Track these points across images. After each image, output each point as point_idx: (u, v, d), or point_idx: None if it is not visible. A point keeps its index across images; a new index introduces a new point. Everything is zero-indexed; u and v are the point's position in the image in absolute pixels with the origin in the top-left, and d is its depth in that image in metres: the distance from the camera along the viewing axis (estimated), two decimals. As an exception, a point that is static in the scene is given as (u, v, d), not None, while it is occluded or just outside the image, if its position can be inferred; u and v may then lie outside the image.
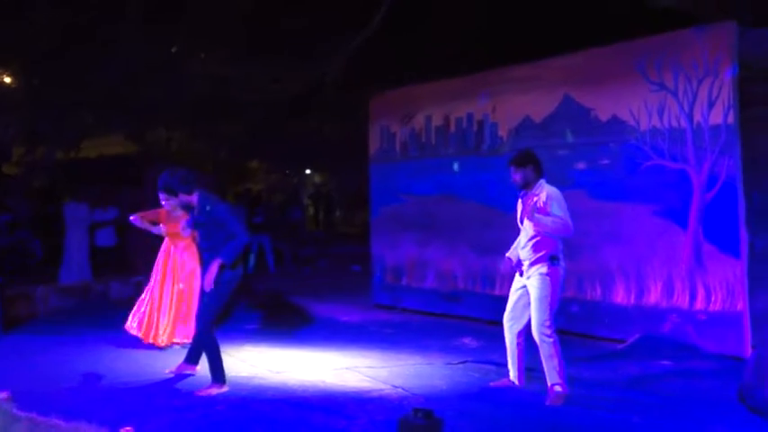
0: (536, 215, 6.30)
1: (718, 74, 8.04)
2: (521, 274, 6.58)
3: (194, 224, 6.97)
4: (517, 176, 6.49)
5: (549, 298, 6.33)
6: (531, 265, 6.41)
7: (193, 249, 8.52)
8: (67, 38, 10.98)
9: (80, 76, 11.72)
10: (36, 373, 7.41)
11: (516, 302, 6.63)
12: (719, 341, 8.00)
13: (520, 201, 6.66)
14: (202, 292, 6.73)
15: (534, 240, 6.41)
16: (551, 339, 6.35)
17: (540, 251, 6.37)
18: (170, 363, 7.71)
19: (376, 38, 11.67)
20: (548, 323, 6.34)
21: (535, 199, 6.41)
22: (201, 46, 11.89)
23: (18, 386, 6.21)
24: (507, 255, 6.79)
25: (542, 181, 6.49)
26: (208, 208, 6.74)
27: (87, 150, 18.04)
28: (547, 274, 6.34)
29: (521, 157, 6.52)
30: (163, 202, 7.62)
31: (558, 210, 6.31)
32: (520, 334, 6.66)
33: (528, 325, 6.59)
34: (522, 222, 6.56)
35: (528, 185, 6.48)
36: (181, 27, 11.34)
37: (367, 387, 6.91)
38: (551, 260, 6.35)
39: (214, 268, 6.53)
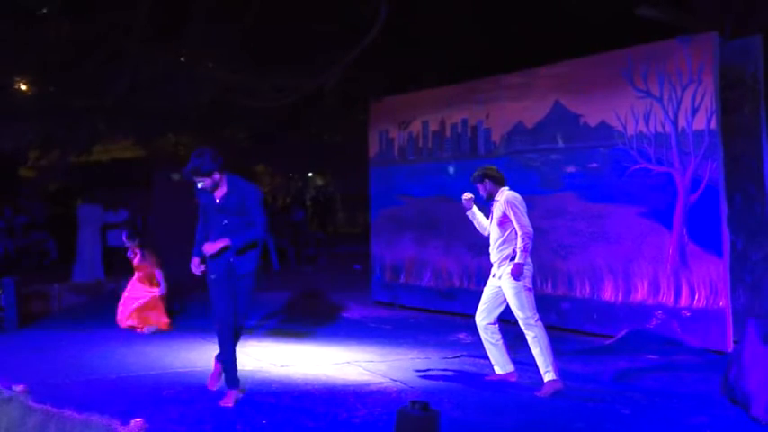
0: (519, 270, 6.65)
1: (702, 82, 8.23)
2: (493, 276, 6.95)
3: (218, 209, 6.30)
4: (481, 192, 6.99)
5: (523, 292, 6.65)
6: (500, 265, 6.80)
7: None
8: (80, 49, 11.17)
9: (92, 84, 11.88)
10: (50, 367, 7.51)
11: (488, 298, 6.98)
12: (703, 336, 8.18)
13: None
14: (236, 287, 6.30)
15: (499, 242, 6.82)
16: (537, 328, 6.62)
17: (505, 252, 6.76)
18: (180, 357, 7.94)
19: (374, 48, 11.83)
20: (530, 313, 6.63)
21: (497, 205, 6.85)
22: (206, 56, 12.07)
23: (33, 379, 6.41)
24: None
25: (503, 188, 6.90)
26: (238, 190, 6.27)
27: (99, 155, 18.10)
28: (513, 273, 6.69)
29: (478, 174, 7.00)
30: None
31: (513, 214, 6.70)
32: (492, 326, 6.97)
33: (503, 318, 6.96)
34: (490, 225, 6.99)
35: (491, 196, 6.91)
36: (186, 38, 11.53)
37: (367, 380, 7.04)
38: (515, 259, 6.71)
39: (218, 244, 6.15)
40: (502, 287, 6.79)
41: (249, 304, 6.44)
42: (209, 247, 6.18)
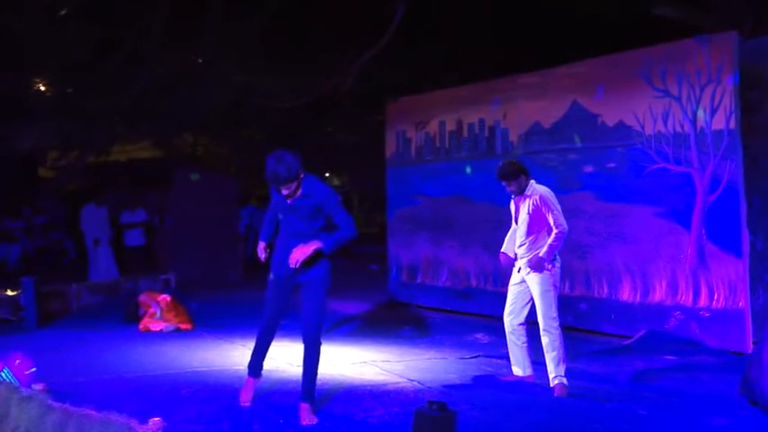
0: (539, 263, 6.56)
1: (721, 81, 8.19)
2: (519, 271, 6.83)
3: (289, 209, 5.75)
4: (512, 188, 6.78)
5: (551, 291, 6.57)
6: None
7: None
8: (98, 50, 11.27)
9: (110, 85, 11.99)
10: (69, 366, 7.54)
11: (515, 297, 6.85)
12: (722, 337, 8.14)
13: (513, 202, 6.95)
14: (308, 296, 5.81)
15: (531, 239, 6.68)
16: (558, 331, 6.56)
17: (537, 249, 6.62)
18: (198, 356, 8.02)
19: (391, 48, 11.85)
20: (554, 315, 6.56)
21: (528, 201, 6.71)
22: (223, 56, 12.13)
23: (53, 378, 6.47)
24: (502, 251, 7.07)
25: (532, 182, 6.79)
26: (314, 194, 5.69)
27: (117, 155, 18.22)
28: (547, 270, 6.59)
29: (510, 171, 6.76)
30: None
31: (549, 211, 6.60)
32: (521, 327, 6.86)
33: (528, 319, 6.85)
34: (517, 222, 6.86)
35: (522, 190, 6.77)
36: (203, 39, 11.60)
37: (384, 380, 7.03)
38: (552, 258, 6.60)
39: (309, 248, 5.56)
40: (529, 283, 6.69)
41: (318, 313, 5.80)
42: (299, 253, 5.57)
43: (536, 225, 6.68)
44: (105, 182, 18.02)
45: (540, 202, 6.65)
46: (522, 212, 6.79)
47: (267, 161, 5.60)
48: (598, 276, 9.30)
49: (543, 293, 6.60)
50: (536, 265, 6.58)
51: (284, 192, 5.66)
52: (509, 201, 7.04)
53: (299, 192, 5.69)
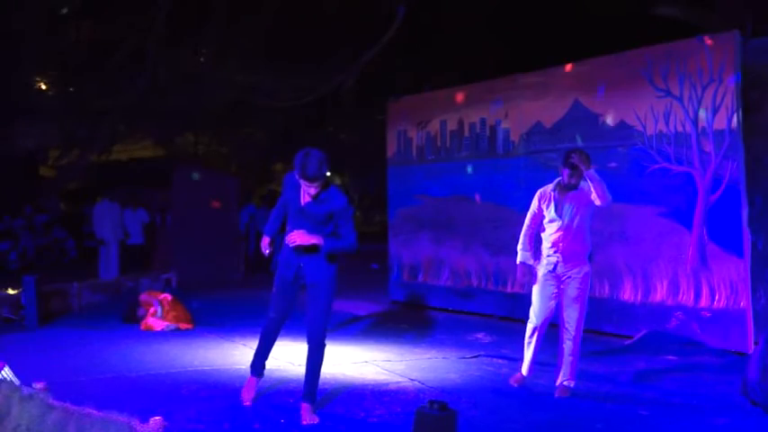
0: (592, 176, 6.11)
1: (722, 81, 8.18)
2: (553, 270, 6.47)
3: (301, 211, 5.73)
4: (575, 179, 6.35)
5: (586, 294, 6.42)
6: (574, 263, 6.41)
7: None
8: (100, 50, 11.28)
9: (112, 85, 12.00)
10: (70, 365, 7.53)
11: (550, 298, 6.51)
12: (723, 337, 8.13)
13: (551, 197, 6.54)
14: (315, 299, 5.82)
15: (574, 236, 6.38)
16: (581, 336, 6.46)
17: (582, 249, 6.41)
18: (199, 355, 7.99)
19: (392, 48, 11.86)
20: (584, 318, 6.45)
21: (578, 196, 6.36)
22: (225, 56, 12.14)
23: (53, 377, 6.37)
24: (520, 260, 6.74)
25: None
26: (329, 200, 5.67)
27: (118, 154, 18.23)
28: (588, 273, 6.41)
29: (588, 159, 6.26)
30: None
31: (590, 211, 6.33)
32: (545, 328, 6.66)
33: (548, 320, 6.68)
34: (561, 217, 6.43)
35: (578, 184, 6.37)
36: (205, 39, 11.61)
37: (384, 380, 7.03)
38: (590, 258, 6.45)
39: (311, 239, 5.58)
40: (570, 285, 6.41)
41: (324, 316, 5.80)
42: (299, 238, 5.59)
43: (582, 221, 6.38)
44: (106, 181, 18.03)
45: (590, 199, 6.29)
46: (570, 208, 6.39)
47: (297, 156, 5.54)
48: (599, 276, 9.26)
49: (583, 297, 6.40)
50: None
51: (311, 191, 5.60)
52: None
53: (320, 195, 5.65)
